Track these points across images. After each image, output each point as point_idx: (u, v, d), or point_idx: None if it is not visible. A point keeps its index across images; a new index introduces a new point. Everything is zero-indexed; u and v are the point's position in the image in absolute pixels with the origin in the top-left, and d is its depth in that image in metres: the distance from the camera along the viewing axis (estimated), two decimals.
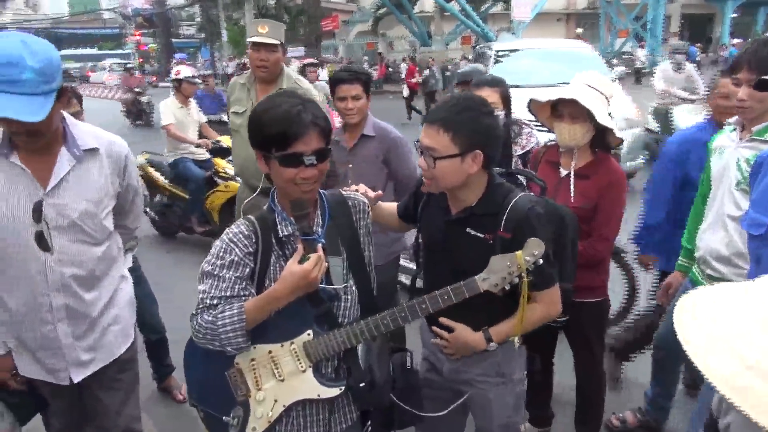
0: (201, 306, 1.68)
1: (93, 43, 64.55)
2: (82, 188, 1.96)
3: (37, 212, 1.86)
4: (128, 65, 14.46)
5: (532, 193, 2.00)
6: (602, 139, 2.52)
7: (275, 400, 1.74)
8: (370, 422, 1.94)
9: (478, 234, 1.87)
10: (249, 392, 1.74)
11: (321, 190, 1.78)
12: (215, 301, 1.67)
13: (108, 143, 2.06)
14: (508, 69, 7.89)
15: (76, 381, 2.07)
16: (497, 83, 2.95)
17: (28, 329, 1.98)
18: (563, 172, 2.58)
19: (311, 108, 1.62)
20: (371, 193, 2.02)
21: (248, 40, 3.52)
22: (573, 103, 2.42)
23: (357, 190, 1.97)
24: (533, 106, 2.68)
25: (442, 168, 1.79)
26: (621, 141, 2.52)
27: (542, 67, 8.12)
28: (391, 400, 1.85)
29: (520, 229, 1.80)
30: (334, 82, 3.14)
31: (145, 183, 6.38)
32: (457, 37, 29.84)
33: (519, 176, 2.25)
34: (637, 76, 25.07)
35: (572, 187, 2.52)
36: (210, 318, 1.65)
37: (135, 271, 3.33)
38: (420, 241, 2.10)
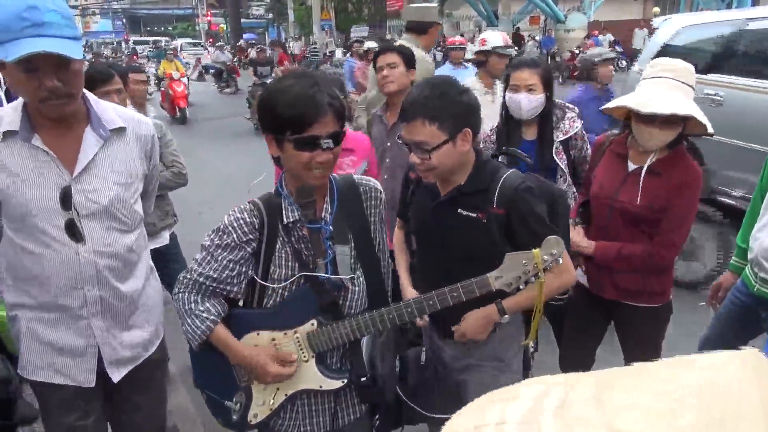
0: (190, 276, 1.70)
1: (167, 23, 66.84)
2: (112, 171, 1.83)
3: (66, 199, 1.72)
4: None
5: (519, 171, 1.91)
6: (680, 133, 2.23)
7: (277, 389, 1.72)
8: (378, 416, 1.89)
9: (470, 214, 1.82)
10: (251, 379, 1.72)
11: (332, 175, 1.72)
12: (202, 279, 1.68)
13: (135, 122, 1.93)
14: None
15: (115, 381, 1.93)
16: (537, 64, 2.78)
17: (60, 326, 1.84)
18: (631, 166, 2.31)
19: (326, 88, 1.56)
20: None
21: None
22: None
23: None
24: (616, 109, 2.35)
25: (439, 157, 1.77)
26: (710, 134, 2.17)
27: None
28: (396, 395, 1.79)
29: (513, 203, 1.77)
30: (375, 55, 3.21)
31: None
32: (525, 17, 28.91)
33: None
34: None
35: (641, 185, 2.24)
36: (190, 305, 1.68)
37: (173, 248, 3.40)
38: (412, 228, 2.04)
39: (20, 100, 1.75)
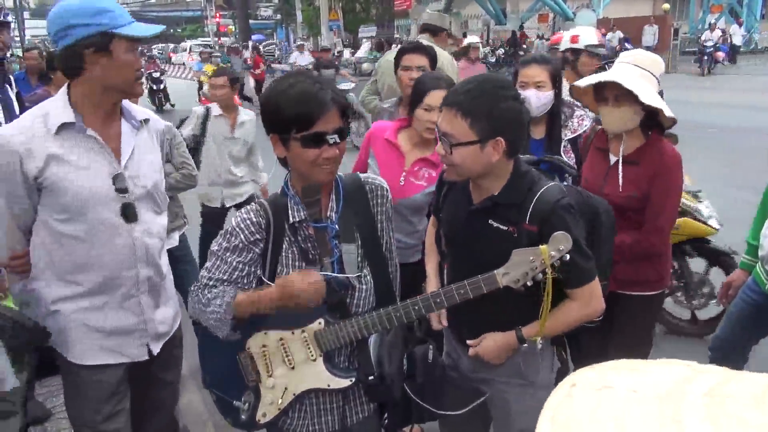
0: (200, 283, 1.70)
1: (176, 25, 67.19)
2: (147, 158, 2.00)
3: (120, 184, 1.88)
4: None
5: (563, 183, 1.84)
6: (655, 120, 2.30)
7: (285, 388, 1.72)
8: (387, 415, 1.89)
9: (501, 226, 1.75)
10: (259, 378, 1.73)
11: (338, 174, 1.72)
12: (212, 282, 1.68)
13: (150, 116, 2.10)
14: None
15: (155, 353, 2.07)
16: (546, 60, 2.75)
17: (109, 309, 1.94)
18: (613, 159, 2.38)
19: (327, 86, 1.58)
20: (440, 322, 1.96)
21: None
22: (617, 84, 2.21)
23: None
24: (575, 91, 2.49)
25: (460, 155, 1.68)
26: (674, 121, 2.28)
27: None
28: (405, 393, 1.79)
29: (547, 222, 1.67)
30: (400, 53, 3.17)
31: None
32: (534, 15, 28.80)
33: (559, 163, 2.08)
34: (733, 55, 23.29)
35: (620, 174, 2.32)
36: (204, 300, 1.67)
37: (183, 249, 3.42)
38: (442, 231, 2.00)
39: (62, 96, 1.86)
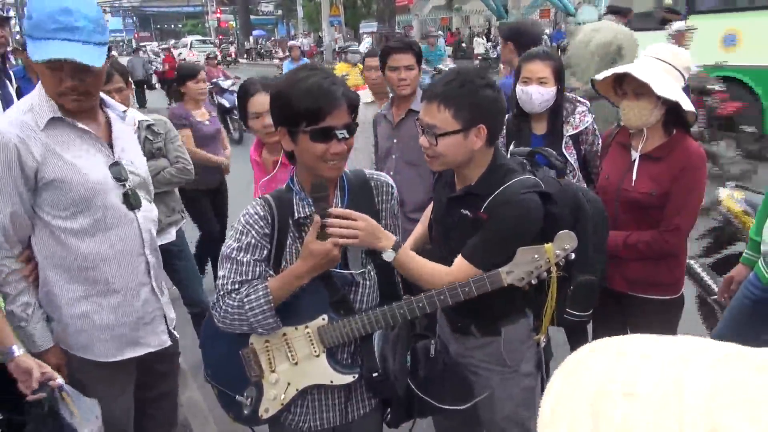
0: (222, 292, 1.66)
1: (177, 21, 67.09)
2: (135, 147, 2.07)
3: (118, 174, 1.90)
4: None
5: (534, 178, 1.80)
6: (680, 117, 2.25)
7: (288, 383, 1.72)
8: (389, 410, 1.90)
9: (468, 214, 1.78)
10: (262, 373, 1.73)
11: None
12: (236, 286, 1.65)
13: (125, 107, 2.13)
14: None
15: (176, 337, 2.15)
16: (549, 57, 2.74)
17: (130, 297, 1.95)
18: (634, 155, 2.34)
19: (339, 81, 1.59)
20: None
21: None
22: (636, 77, 2.18)
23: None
24: (597, 85, 2.46)
25: (445, 145, 1.72)
26: (696, 116, 2.25)
27: None
28: (407, 388, 1.79)
29: (494, 211, 1.71)
30: (386, 52, 3.11)
31: None
32: (536, 10, 28.64)
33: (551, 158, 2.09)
34: None
35: (635, 170, 2.29)
36: (236, 303, 1.62)
37: (180, 245, 3.41)
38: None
39: (41, 91, 1.81)
